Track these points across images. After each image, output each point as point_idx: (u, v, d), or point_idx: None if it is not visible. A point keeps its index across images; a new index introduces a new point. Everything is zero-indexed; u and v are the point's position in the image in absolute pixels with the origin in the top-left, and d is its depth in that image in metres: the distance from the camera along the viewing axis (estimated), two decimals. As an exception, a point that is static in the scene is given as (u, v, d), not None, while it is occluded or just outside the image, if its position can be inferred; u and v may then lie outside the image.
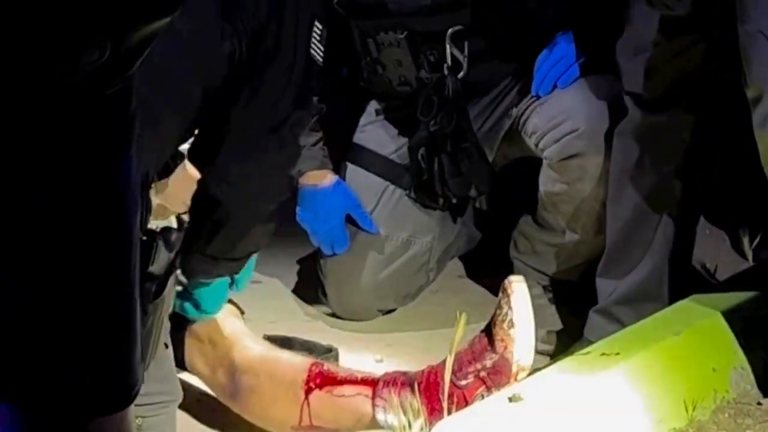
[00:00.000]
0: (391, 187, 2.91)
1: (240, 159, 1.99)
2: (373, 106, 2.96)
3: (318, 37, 1.96)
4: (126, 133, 1.20)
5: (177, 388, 2.08)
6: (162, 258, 1.74)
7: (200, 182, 2.02)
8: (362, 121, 2.95)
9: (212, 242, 2.08)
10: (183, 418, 2.34)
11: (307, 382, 2.23)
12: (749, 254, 2.70)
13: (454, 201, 2.84)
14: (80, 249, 1.18)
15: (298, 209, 2.86)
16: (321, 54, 1.98)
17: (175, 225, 2.21)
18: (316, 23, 1.95)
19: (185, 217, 2.09)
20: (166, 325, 1.96)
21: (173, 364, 2.06)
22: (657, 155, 2.46)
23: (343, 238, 2.86)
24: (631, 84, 2.45)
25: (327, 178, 2.87)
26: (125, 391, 1.26)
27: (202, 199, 2.04)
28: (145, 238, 1.73)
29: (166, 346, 1.93)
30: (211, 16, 1.83)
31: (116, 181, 1.20)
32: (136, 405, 1.77)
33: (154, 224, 2.32)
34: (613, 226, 2.54)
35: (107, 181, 1.19)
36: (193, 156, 2.02)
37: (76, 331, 1.20)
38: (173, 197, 2.06)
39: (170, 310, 1.86)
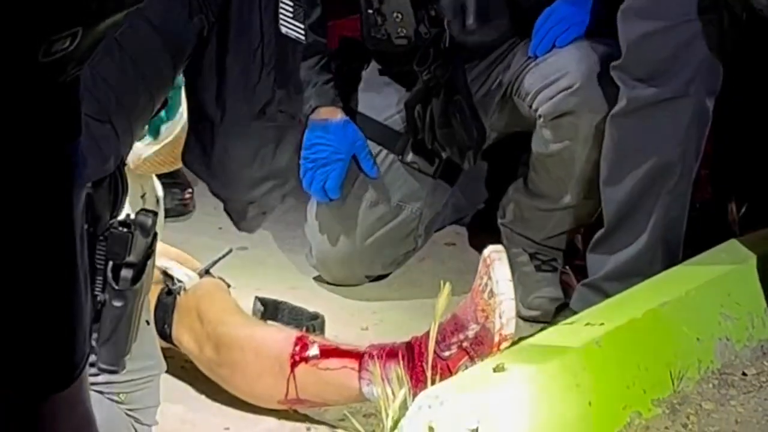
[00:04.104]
0: (384, 151, 2.91)
1: (234, 151, 1.97)
2: (370, 73, 2.96)
3: (291, 14, 1.94)
4: (75, 121, 1.20)
5: (159, 362, 2.07)
6: (139, 245, 1.73)
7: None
8: (360, 86, 2.96)
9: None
10: (168, 384, 2.35)
11: (293, 356, 2.23)
12: (736, 224, 2.69)
13: (443, 154, 2.83)
14: (22, 233, 1.18)
15: (304, 144, 2.85)
16: (301, 30, 1.96)
17: (160, 190, 2.21)
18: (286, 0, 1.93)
19: (160, 193, 2.09)
20: (147, 303, 1.94)
21: (155, 339, 2.06)
22: (657, 134, 2.45)
23: (341, 178, 2.86)
24: (632, 59, 2.44)
25: (338, 115, 2.88)
26: (69, 371, 1.26)
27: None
28: (123, 228, 1.72)
29: (147, 323, 1.93)
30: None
31: (63, 169, 1.19)
32: (119, 383, 1.79)
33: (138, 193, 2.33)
34: (609, 208, 2.54)
35: (54, 170, 1.18)
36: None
37: (17, 315, 1.20)
38: (170, 154, 2.08)
39: (149, 292, 1.86)
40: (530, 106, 2.72)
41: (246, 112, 1.93)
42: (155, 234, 1.78)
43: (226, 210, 2.14)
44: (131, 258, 1.73)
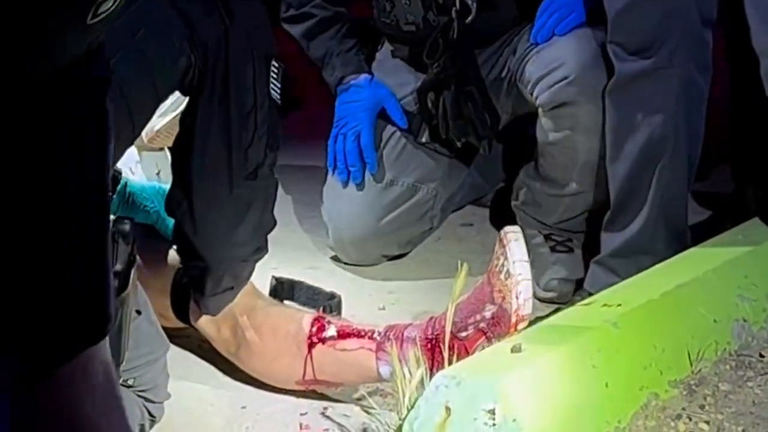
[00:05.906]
0: (398, 132, 2.91)
1: (222, 217, 2.04)
2: (383, 54, 2.97)
3: (275, 75, 1.97)
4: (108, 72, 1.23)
5: (160, 344, 2.07)
6: (122, 253, 1.74)
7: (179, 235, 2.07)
8: (373, 66, 2.96)
9: (205, 287, 2.17)
10: (186, 363, 2.36)
11: (310, 337, 2.24)
12: (753, 207, 2.69)
13: (459, 144, 2.84)
14: (55, 191, 1.19)
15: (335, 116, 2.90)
16: (278, 91, 2.00)
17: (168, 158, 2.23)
18: (273, 62, 1.97)
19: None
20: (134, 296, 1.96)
21: (149, 324, 2.05)
22: (647, 107, 2.46)
23: (372, 130, 2.87)
24: (619, 32, 2.45)
25: (361, 76, 2.91)
26: (103, 322, 1.26)
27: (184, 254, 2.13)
28: None
29: (139, 313, 1.94)
30: (172, 34, 1.85)
31: (106, 118, 1.23)
32: (125, 371, 1.79)
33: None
34: (614, 185, 2.55)
35: (101, 118, 1.22)
36: (175, 216, 2.07)
37: (57, 261, 1.20)
38: (170, 133, 2.10)
39: (136, 299, 1.86)
40: (531, 93, 2.73)
41: (238, 173, 1.96)
42: (134, 240, 1.78)
43: (193, 286, 2.18)
44: (116, 267, 1.73)
